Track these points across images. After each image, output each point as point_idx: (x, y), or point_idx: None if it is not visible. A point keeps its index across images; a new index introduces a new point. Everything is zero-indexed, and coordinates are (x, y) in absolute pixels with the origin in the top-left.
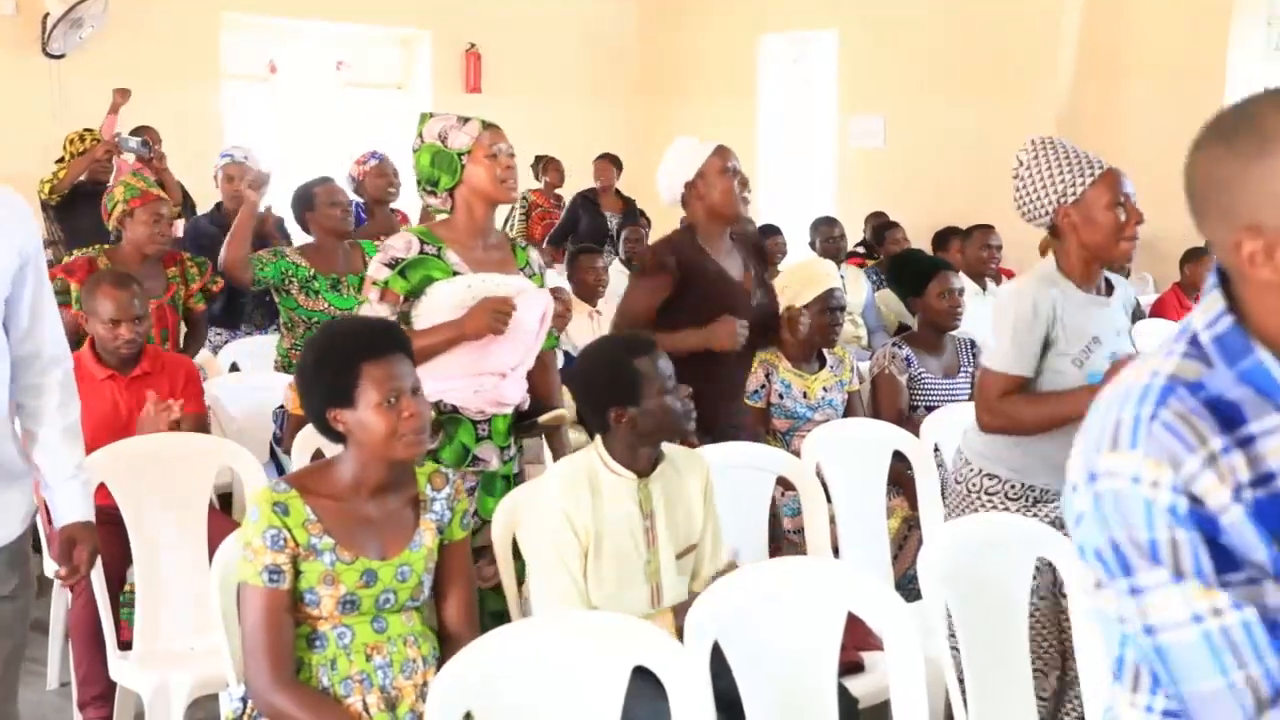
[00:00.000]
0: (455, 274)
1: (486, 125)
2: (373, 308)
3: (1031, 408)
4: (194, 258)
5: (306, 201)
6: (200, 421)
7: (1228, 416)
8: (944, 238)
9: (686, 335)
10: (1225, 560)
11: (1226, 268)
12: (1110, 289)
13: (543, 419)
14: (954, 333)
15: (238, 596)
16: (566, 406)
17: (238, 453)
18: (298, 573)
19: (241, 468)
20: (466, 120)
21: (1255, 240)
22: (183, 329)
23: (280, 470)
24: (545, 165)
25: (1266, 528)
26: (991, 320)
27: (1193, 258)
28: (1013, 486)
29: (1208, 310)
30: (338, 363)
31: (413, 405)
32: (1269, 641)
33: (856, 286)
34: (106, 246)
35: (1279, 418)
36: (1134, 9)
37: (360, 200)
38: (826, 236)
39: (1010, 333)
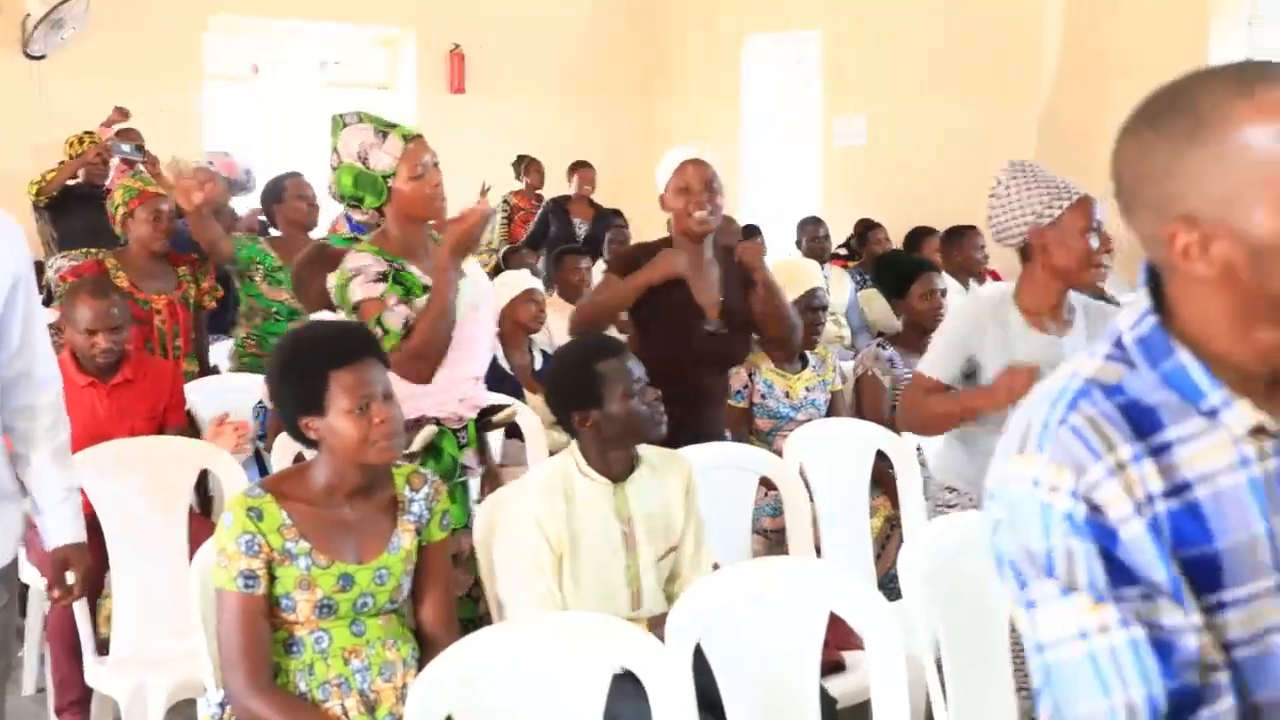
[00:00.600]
0: (425, 286)
1: (408, 137)
2: (394, 314)
3: (932, 405)
4: (204, 258)
5: (275, 194)
6: (185, 431)
7: (1143, 422)
8: (916, 238)
9: (636, 276)
10: (1120, 574)
11: (1156, 264)
12: (1070, 324)
13: (497, 417)
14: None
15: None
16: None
17: (217, 455)
18: (273, 578)
19: (221, 470)
20: (385, 134)
21: (1190, 232)
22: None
23: (263, 469)
24: (527, 166)
25: (1178, 542)
26: None
27: None
28: (970, 499)
29: (1134, 310)
30: (306, 370)
31: (384, 411)
32: (1157, 665)
33: (840, 287)
34: (116, 249)
35: (1200, 424)
36: (1116, 11)
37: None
38: (812, 236)
39: (942, 338)
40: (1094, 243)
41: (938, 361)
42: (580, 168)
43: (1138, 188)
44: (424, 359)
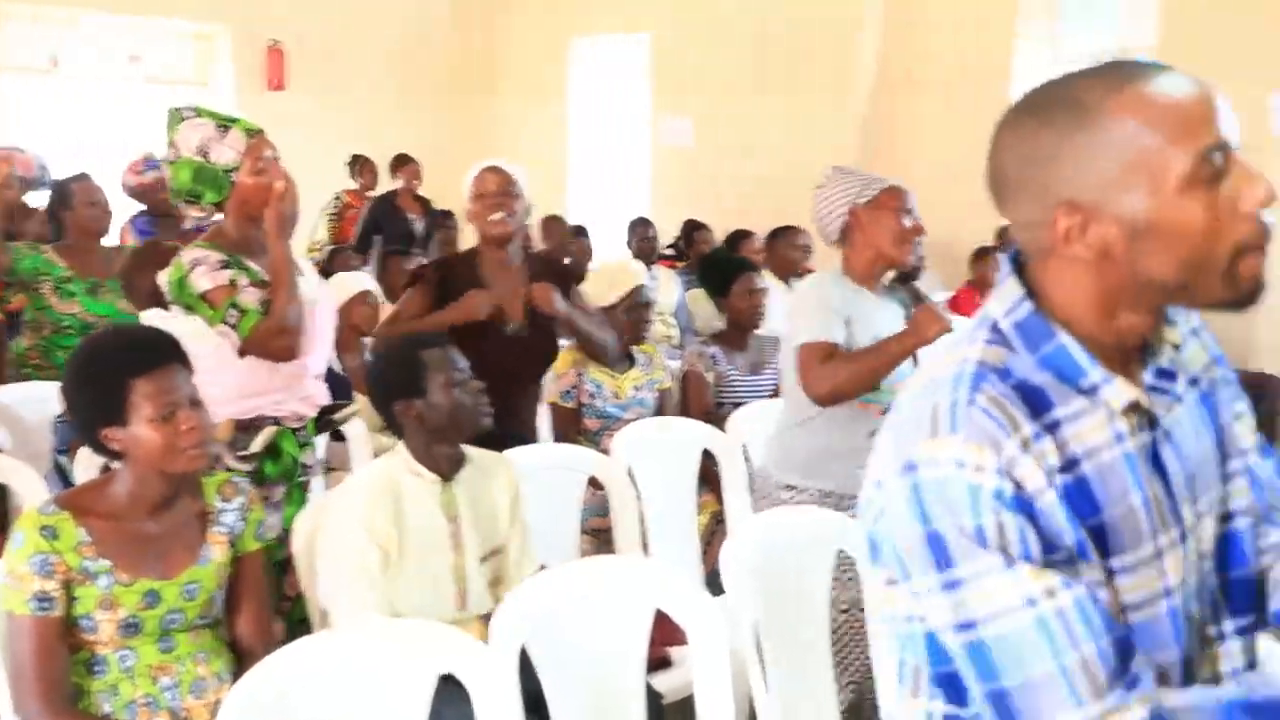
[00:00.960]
0: (265, 281)
1: (250, 131)
2: (249, 294)
3: (850, 363)
4: None
5: (63, 199)
6: None
7: (1034, 402)
8: (736, 239)
9: (442, 315)
10: (1046, 543)
11: (1029, 250)
12: (888, 293)
13: (337, 415)
14: (759, 331)
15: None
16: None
17: (15, 468)
18: (72, 598)
19: (19, 484)
20: (226, 129)
21: (1072, 216)
22: None
23: (66, 482)
24: (361, 166)
25: (1074, 512)
26: (790, 312)
27: (981, 256)
28: (810, 495)
29: (1004, 298)
30: (104, 380)
31: (192, 418)
32: (1101, 620)
33: (668, 288)
34: None
35: (1082, 402)
36: (927, 22)
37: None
38: (641, 237)
39: (813, 310)
40: (907, 223)
41: (823, 327)
42: (403, 163)
43: (1021, 176)
44: (288, 332)
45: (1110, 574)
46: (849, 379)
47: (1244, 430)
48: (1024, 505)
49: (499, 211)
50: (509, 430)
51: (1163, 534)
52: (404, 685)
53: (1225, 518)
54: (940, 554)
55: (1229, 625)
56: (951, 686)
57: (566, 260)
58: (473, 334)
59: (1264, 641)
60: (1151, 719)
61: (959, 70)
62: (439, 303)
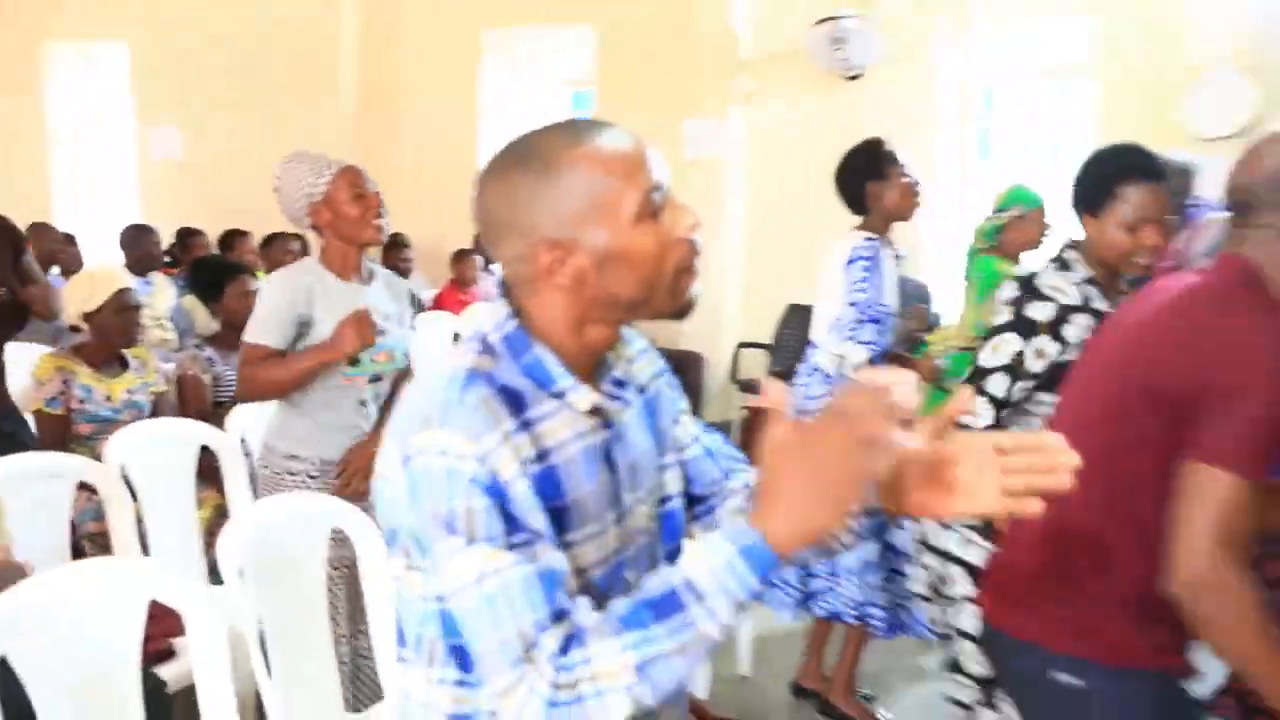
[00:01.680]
0: None
1: None
2: None
3: (283, 366)
4: None
5: None
6: None
7: (515, 402)
8: (229, 239)
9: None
10: (513, 525)
11: (515, 280)
12: (372, 277)
13: None
14: None
15: None
16: None
17: None
18: None
19: None
20: None
21: (552, 251)
22: None
23: None
24: None
25: (544, 497)
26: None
27: (461, 258)
28: (312, 464)
29: (494, 316)
30: None
31: None
32: (541, 594)
33: (164, 294)
34: None
35: (554, 404)
36: (402, 41)
37: None
38: (142, 244)
39: (265, 309)
40: (358, 208)
41: (266, 330)
42: None
43: (508, 220)
44: None
45: (571, 544)
46: (268, 385)
47: (684, 429)
48: (497, 491)
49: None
50: None
51: (609, 513)
52: None
53: (663, 501)
54: (424, 537)
55: None
56: (463, 655)
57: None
58: None
59: None
60: (565, 639)
61: (433, 82)
62: None
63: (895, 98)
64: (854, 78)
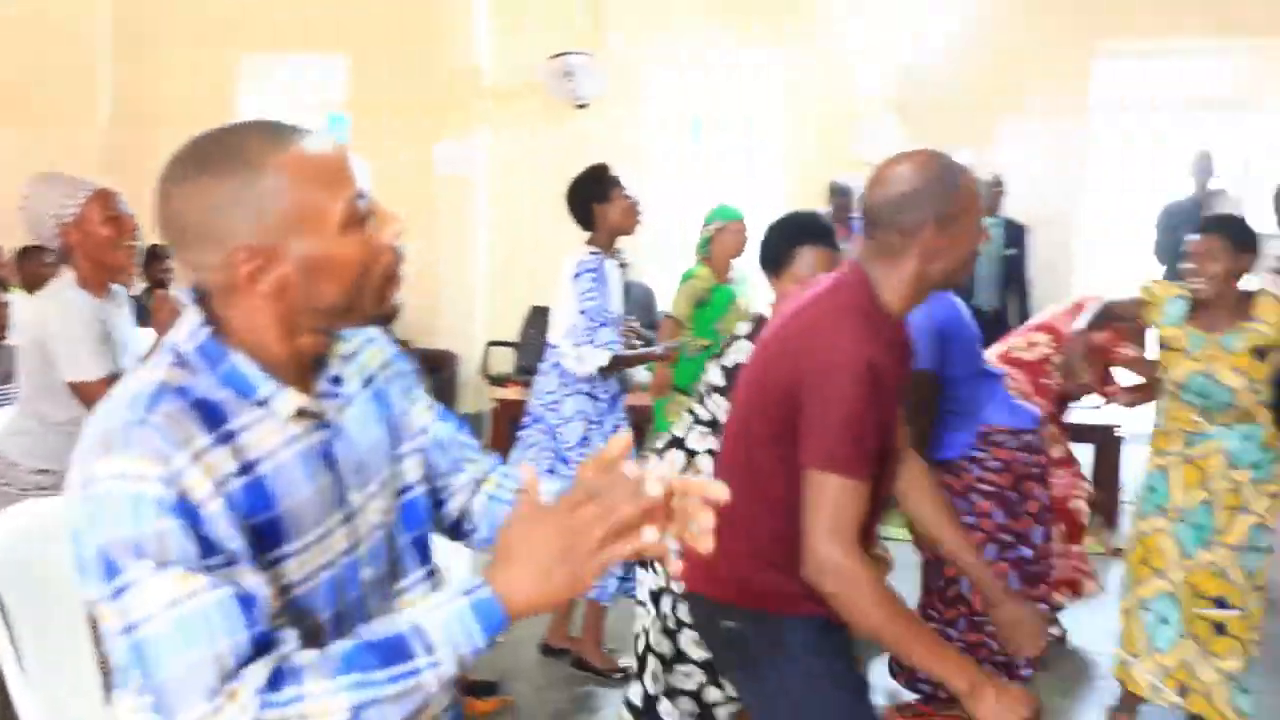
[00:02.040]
0: None
1: None
2: None
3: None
4: None
5: None
6: None
7: (211, 416)
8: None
9: None
10: (206, 547)
11: (210, 287)
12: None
13: None
14: (6, 342)
15: None
16: None
17: None
18: None
19: None
20: None
21: (252, 259)
22: None
23: None
24: None
25: (249, 512)
26: (53, 334)
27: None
28: (64, 478)
29: (186, 326)
30: None
31: None
32: (241, 618)
33: None
34: None
35: (258, 412)
36: (161, 64)
37: None
38: None
39: (80, 343)
40: (110, 229)
41: (93, 361)
42: None
43: (201, 225)
44: None
45: (280, 560)
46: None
47: (418, 414)
48: (187, 512)
49: None
50: None
51: (331, 517)
52: None
53: (402, 491)
54: (109, 565)
55: (410, 579)
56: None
57: None
58: None
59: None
60: (273, 676)
61: (191, 105)
62: None
63: (619, 124)
64: (582, 106)
